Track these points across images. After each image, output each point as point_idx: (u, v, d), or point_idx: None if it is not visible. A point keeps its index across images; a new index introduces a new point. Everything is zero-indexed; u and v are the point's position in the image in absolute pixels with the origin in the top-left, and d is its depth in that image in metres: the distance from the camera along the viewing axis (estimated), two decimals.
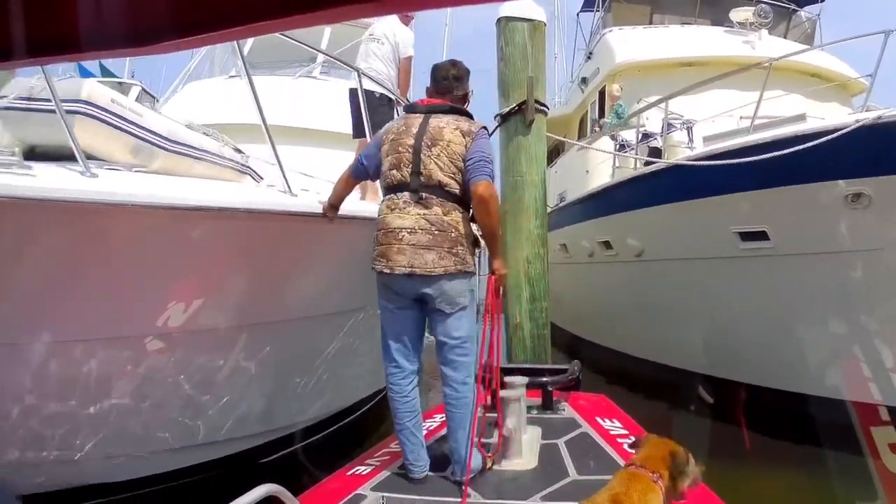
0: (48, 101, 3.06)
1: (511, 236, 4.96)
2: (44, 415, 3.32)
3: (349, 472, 3.17)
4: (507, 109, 4.94)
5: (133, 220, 3.11)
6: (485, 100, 5.59)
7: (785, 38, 10.55)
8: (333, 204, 3.51)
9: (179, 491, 3.95)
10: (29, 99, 3.38)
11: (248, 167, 4.56)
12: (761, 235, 5.53)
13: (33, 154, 3.24)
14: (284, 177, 3.92)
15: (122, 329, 3.39)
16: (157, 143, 3.77)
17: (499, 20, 5.08)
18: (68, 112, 3.14)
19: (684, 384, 6.72)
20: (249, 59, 7.09)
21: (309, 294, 4.39)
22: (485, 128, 3.20)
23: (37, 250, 2.97)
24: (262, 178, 4.55)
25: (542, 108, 4.99)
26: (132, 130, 3.62)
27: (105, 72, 14.35)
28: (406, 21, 5.85)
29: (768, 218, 5.41)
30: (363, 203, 4.76)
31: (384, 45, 5.55)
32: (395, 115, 4.82)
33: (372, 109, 4.84)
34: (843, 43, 7.34)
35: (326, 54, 5.65)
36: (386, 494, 2.89)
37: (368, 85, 4.99)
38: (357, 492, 2.90)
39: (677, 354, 7.05)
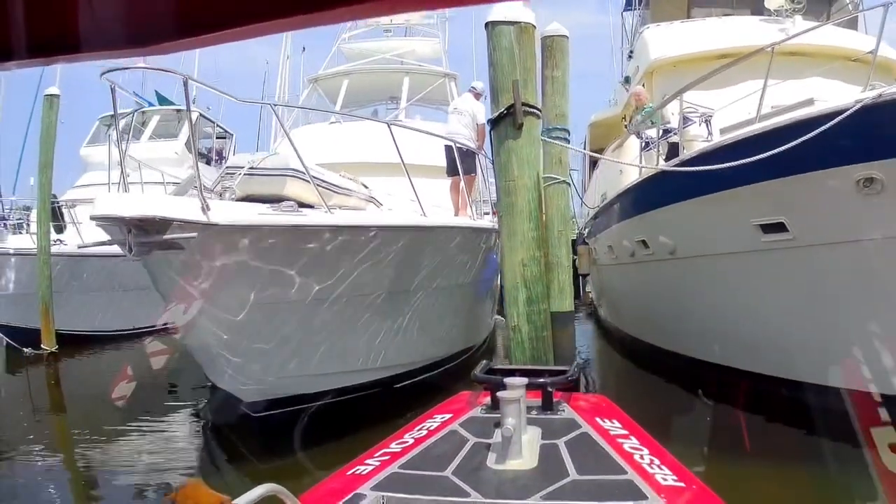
0: (262, 168, 5.53)
1: (506, 240, 4.96)
2: (280, 349, 5.23)
3: (349, 472, 3.15)
4: (496, 114, 4.93)
5: (404, 235, 5.66)
6: None
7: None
8: None
9: (350, 403, 5.76)
10: (252, 168, 5.58)
11: (373, 197, 6.76)
12: (780, 227, 5.28)
13: (247, 198, 5.25)
14: (420, 203, 6.02)
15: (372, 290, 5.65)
16: (332, 189, 5.79)
17: (486, 24, 5.09)
18: (282, 175, 5.44)
19: (722, 380, 6.53)
20: (345, 103, 11.18)
21: (442, 272, 6.54)
22: None
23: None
24: (381, 203, 6.83)
25: (532, 110, 4.95)
26: (319, 183, 5.37)
27: (162, 100, 15.10)
28: (478, 97, 8.65)
29: (784, 208, 5.16)
30: (457, 218, 7.65)
31: (465, 116, 8.35)
32: (476, 162, 8.28)
33: (461, 157, 7.61)
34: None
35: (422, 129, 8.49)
36: (386, 494, 2.86)
37: (459, 141, 7.77)
38: (357, 491, 2.87)
39: (718, 353, 6.81)
